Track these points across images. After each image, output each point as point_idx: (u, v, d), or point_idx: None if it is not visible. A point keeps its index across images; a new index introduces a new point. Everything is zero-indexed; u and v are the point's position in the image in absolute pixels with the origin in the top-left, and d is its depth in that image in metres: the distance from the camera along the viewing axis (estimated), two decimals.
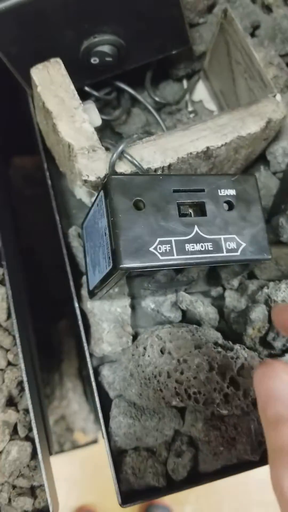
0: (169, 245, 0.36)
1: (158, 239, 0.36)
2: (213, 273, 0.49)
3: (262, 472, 1.21)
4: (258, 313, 0.46)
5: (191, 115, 0.58)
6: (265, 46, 0.52)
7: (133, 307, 0.51)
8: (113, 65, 0.49)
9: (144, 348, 0.45)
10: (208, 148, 0.42)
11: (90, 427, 1.20)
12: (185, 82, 0.59)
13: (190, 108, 0.58)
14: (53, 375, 1.08)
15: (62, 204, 0.55)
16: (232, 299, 0.51)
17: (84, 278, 0.50)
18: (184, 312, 0.51)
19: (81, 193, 0.51)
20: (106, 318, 0.47)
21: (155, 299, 0.51)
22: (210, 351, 0.43)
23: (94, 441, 1.26)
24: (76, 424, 1.17)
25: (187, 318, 0.51)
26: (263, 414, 0.24)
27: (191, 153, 0.42)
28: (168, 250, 0.36)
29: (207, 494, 1.34)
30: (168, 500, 1.33)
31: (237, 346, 0.45)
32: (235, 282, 0.52)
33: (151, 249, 0.36)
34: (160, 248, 0.36)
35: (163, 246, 0.36)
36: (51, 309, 1.04)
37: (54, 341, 1.12)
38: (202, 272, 0.46)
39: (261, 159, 0.54)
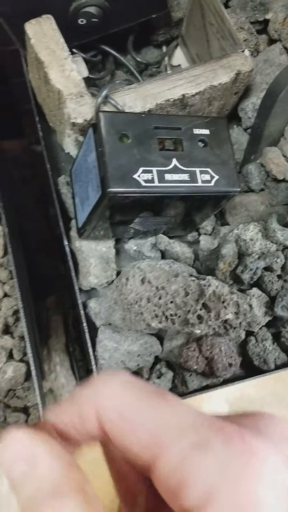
0: (151, 174, 0.41)
1: (141, 168, 0.41)
2: (188, 219, 0.54)
3: None
4: (228, 249, 0.52)
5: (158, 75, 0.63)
6: (237, 13, 0.57)
7: (117, 251, 0.56)
8: (98, 27, 0.54)
9: (127, 279, 0.50)
10: (183, 95, 0.47)
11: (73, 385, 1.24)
12: (164, 48, 0.64)
13: (169, 72, 0.63)
14: (41, 350, 1.12)
15: (52, 158, 0.59)
16: (206, 242, 0.56)
17: (72, 222, 0.54)
18: (162, 253, 0.56)
19: (69, 145, 0.55)
20: (93, 255, 0.52)
21: (136, 241, 0.56)
22: (185, 280, 0.48)
23: None
24: (63, 397, 1.21)
25: (166, 258, 0.56)
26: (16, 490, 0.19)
27: (168, 100, 0.47)
28: (150, 178, 0.41)
29: None
30: None
31: (209, 277, 0.50)
32: (209, 228, 0.57)
33: (135, 176, 0.41)
34: (143, 176, 0.41)
35: (146, 174, 0.41)
36: (39, 287, 1.08)
37: (42, 318, 1.16)
38: (179, 216, 0.51)
39: (234, 118, 0.59)
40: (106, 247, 0.54)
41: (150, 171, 0.41)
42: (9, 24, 0.52)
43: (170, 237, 0.56)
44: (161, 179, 0.42)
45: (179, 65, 0.65)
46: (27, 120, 1.04)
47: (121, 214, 0.47)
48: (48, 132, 0.60)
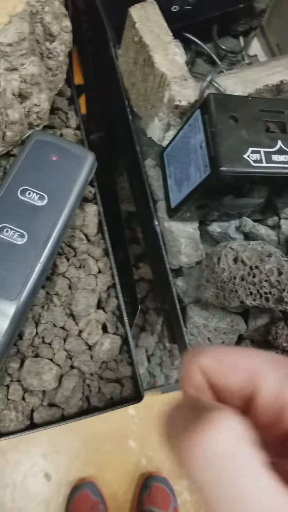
0: (259, 155, 0.43)
1: (250, 149, 0.43)
2: (270, 203, 0.55)
3: None
4: None
5: (257, 62, 0.65)
6: None
7: (200, 232, 0.58)
8: (189, 13, 0.56)
9: (219, 258, 0.52)
10: (281, 81, 0.49)
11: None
12: (241, 39, 0.66)
13: (247, 61, 0.65)
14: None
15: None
16: None
17: (158, 203, 0.56)
18: (246, 236, 0.58)
19: (156, 129, 0.57)
20: (182, 235, 0.54)
21: (220, 224, 0.57)
22: (279, 260, 0.50)
23: None
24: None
25: (250, 240, 0.57)
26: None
27: (267, 85, 0.49)
28: (258, 159, 0.43)
29: None
30: (166, 473, 1.38)
31: None
32: None
33: (245, 156, 0.42)
34: (252, 156, 0.42)
35: (255, 154, 0.43)
36: None
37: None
38: (262, 197, 0.53)
39: None
40: (193, 228, 0.55)
41: (258, 152, 0.43)
42: (105, 7, 0.54)
43: (253, 221, 0.58)
44: (269, 159, 0.43)
45: (255, 55, 0.67)
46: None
47: (216, 194, 0.49)
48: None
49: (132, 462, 1.39)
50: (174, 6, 0.54)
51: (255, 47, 0.66)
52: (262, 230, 0.56)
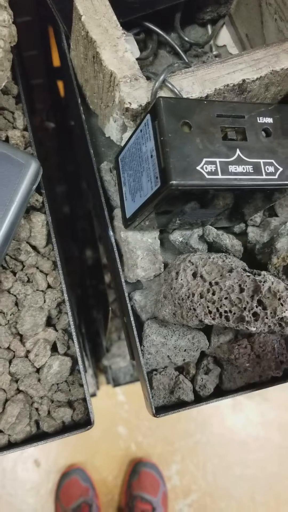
0: (214, 166, 0.39)
1: (205, 159, 0.39)
2: (236, 211, 0.51)
3: (246, 434, 1.30)
4: (283, 243, 0.50)
5: (216, 59, 0.60)
6: None
7: (161, 242, 0.54)
8: (148, 3, 0.51)
9: (177, 273, 0.48)
10: (244, 81, 0.44)
11: (89, 381, 1.24)
12: (209, 27, 0.61)
13: (215, 52, 0.60)
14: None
15: (91, 142, 0.57)
16: (255, 234, 0.54)
17: (115, 211, 0.52)
18: (210, 245, 0.54)
19: (112, 129, 0.53)
20: (140, 246, 0.50)
21: (182, 232, 0.53)
22: (240, 275, 0.46)
23: (93, 395, 1.30)
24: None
25: (213, 250, 0.54)
26: None
27: (227, 85, 0.44)
28: (213, 170, 0.39)
29: (192, 454, 1.41)
30: (155, 458, 1.39)
31: (264, 272, 0.48)
32: (258, 219, 0.55)
33: (198, 168, 0.38)
34: (206, 168, 0.38)
35: (209, 166, 0.39)
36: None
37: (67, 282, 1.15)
38: (227, 206, 0.49)
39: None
40: (152, 238, 0.52)
41: (214, 163, 0.39)
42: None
43: (217, 229, 0.54)
44: (225, 171, 0.39)
45: (224, 46, 0.62)
46: (38, 95, 1.02)
47: (172, 205, 0.45)
48: (86, 114, 0.57)
49: (121, 448, 1.40)
50: None
51: (224, 36, 0.61)
52: (226, 239, 0.52)
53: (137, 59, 0.56)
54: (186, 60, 0.57)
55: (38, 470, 1.34)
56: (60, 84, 0.98)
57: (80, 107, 0.52)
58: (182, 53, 0.57)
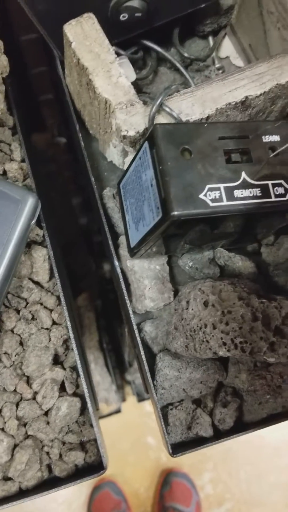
0: (218, 192, 0.36)
1: (207, 186, 0.36)
2: (248, 230, 0.49)
3: (277, 439, 1.24)
4: None
5: (219, 71, 0.57)
6: None
7: (170, 267, 0.51)
8: (142, 21, 0.49)
9: (187, 302, 0.45)
10: (246, 97, 0.42)
11: (113, 397, 1.22)
12: (210, 39, 0.58)
13: (217, 65, 0.58)
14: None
15: (93, 167, 0.55)
16: (269, 254, 0.51)
17: (121, 238, 0.50)
18: (222, 268, 0.51)
19: (114, 154, 0.51)
20: (147, 275, 0.48)
21: (192, 256, 0.51)
22: (254, 302, 0.44)
23: (118, 411, 1.28)
24: (99, 395, 1.19)
25: (226, 274, 0.51)
26: None
27: (229, 104, 0.42)
28: (217, 197, 0.36)
29: (224, 462, 1.37)
30: (187, 468, 1.36)
31: (280, 297, 0.45)
32: (271, 238, 0.52)
33: (201, 196, 0.36)
34: (209, 195, 0.36)
35: (213, 192, 0.36)
36: (70, 285, 1.04)
37: (74, 316, 1.13)
38: (238, 227, 0.46)
39: None
40: (160, 264, 0.49)
41: (218, 189, 0.36)
42: (43, 24, 0.47)
43: (229, 250, 0.51)
44: (230, 196, 0.37)
45: (227, 57, 0.59)
46: (48, 111, 1.00)
47: (179, 231, 0.43)
48: (87, 139, 0.55)
49: (151, 459, 1.38)
50: (123, 15, 0.47)
51: (227, 47, 0.59)
52: (238, 262, 0.49)
53: (136, 78, 0.54)
54: (187, 76, 0.54)
55: None
56: None
57: (78, 133, 0.50)
58: (183, 69, 0.54)
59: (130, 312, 0.47)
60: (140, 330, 0.49)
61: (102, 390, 1.20)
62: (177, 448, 0.45)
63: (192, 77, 0.56)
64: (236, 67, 0.58)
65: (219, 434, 0.47)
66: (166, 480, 1.32)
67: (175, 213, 0.35)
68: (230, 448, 1.38)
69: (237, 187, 0.37)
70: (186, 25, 0.56)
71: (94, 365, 1.17)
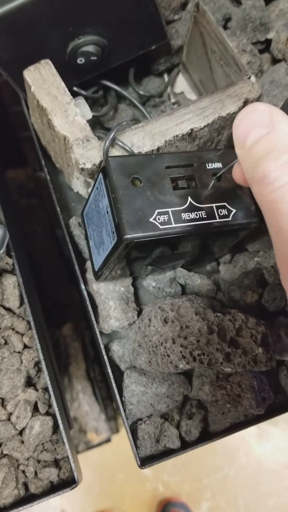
0: (167, 216, 0.40)
1: (157, 211, 0.40)
2: (203, 251, 0.52)
3: (275, 463, 1.24)
4: (251, 279, 0.50)
5: (175, 106, 0.62)
6: (238, 36, 0.56)
7: (135, 288, 0.55)
8: (98, 64, 0.53)
9: (149, 320, 0.48)
10: (192, 130, 0.46)
11: (102, 426, 1.23)
12: (165, 76, 0.63)
13: (172, 100, 0.63)
14: (62, 378, 1.11)
15: (61, 198, 0.59)
16: (226, 272, 0.55)
17: (87, 263, 0.53)
18: (183, 287, 0.55)
19: (78, 185, 0.54)
20: (112, 297, 0.51)
21: (155, 277, 0.54)
22: (210, 316, 0.47)
23: (108, 440, 1.28)
24: (88, 425, 1.20)
25: (187, 292, 0.54)
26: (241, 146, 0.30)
27: (177, 136, 0.46)
28: (166, 220, 0.40)
29: (222, 489, 1.37)
30: (185, 497, 1.35)
31: (233, 310, 0.48)
32: (228, 256, 0.56)
33: (151, 219, 0.39)
34: (159, 219, 0.39)
35: (162, 216, 0.40)
36: (54, 315, 1.07)
37: (60, 346, 1.14)
38: (196, 248, 0.50)
39: None
40: (124, 286, 0.52)
41: (166, 213, 0.40)
42: (7, 70, 0.51)
43: (189, 270, 0.55)
44: (178, 219, 0.40)
45: (181, 92, 0.64)
46: (28, 147, 1.04)
47: (138, 254, 0.46)
48: (54, 172, 0.59)
49: (148, 489, 1.36)
50: (80, 59, 0.51)
51: (181, 83, 0.64)
52: (197, 280, 0.53)
53: (98, 115, 0.59)
54: (145, 112, 0.59)
55: None
56: None
57: (44, 168, 0.54)
58: (140, 106, 0.59)
59: (97, 331, 0.50)
60: (108, 350, 0.52)
61: (91, 420, 1.20)
62: (146, 461, 0.47)
63: (149, 112, 0.61)
64: (190, 101, 0.63)
65: (186, 445, 0.49)
66: (164, 511, 1.31)
67: (128, 236, 0.38)
68: (227, 475, 1.38)
69: (184, 211, 0.41)
70: (142, 64, 0.61)
71: (82, 395, 1.18)
